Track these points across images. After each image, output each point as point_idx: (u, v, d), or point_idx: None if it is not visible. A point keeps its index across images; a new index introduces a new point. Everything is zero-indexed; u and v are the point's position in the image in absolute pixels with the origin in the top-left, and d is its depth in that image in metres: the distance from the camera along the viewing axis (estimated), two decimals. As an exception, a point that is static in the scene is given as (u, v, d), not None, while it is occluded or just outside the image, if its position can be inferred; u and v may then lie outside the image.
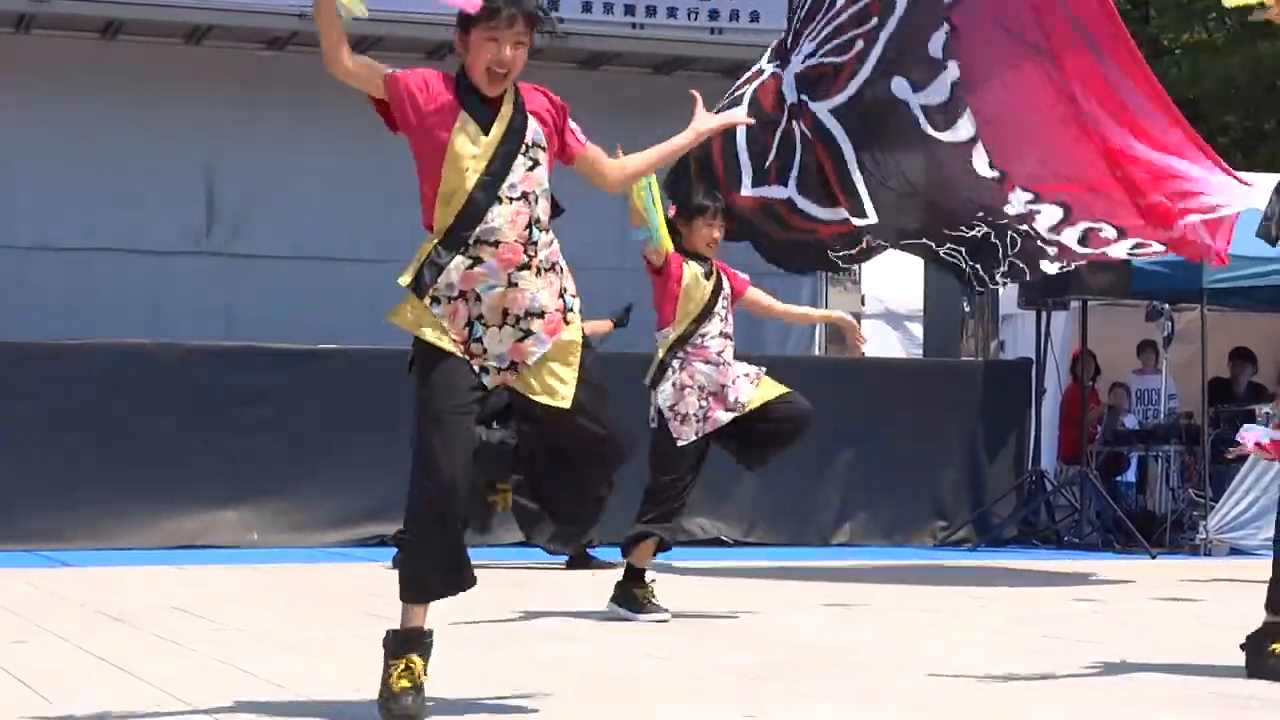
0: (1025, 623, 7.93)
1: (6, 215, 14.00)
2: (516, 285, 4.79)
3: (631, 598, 7.67)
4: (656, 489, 7.75)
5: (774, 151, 10.16)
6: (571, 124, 5.02)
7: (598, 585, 9.29)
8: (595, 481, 5.12)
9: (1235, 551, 13.07)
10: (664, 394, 7.66)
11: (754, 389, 7.75)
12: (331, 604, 8.33)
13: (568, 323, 4.88)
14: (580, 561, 10.66)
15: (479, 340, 4.78)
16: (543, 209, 4.86)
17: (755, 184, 10.12)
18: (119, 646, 6.36)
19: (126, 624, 7.20)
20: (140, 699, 5.13)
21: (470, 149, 4.79)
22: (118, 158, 14.24)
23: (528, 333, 4.80)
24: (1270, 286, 13.89)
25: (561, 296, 4.88)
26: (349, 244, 14.50)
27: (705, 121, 5.33)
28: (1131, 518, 13.73)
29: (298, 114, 14.41)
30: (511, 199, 4.79)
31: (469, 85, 4.85)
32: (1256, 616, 6.07)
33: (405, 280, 4.83)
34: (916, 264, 15.41)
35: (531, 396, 4.84)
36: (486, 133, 4.81)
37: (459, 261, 4.78)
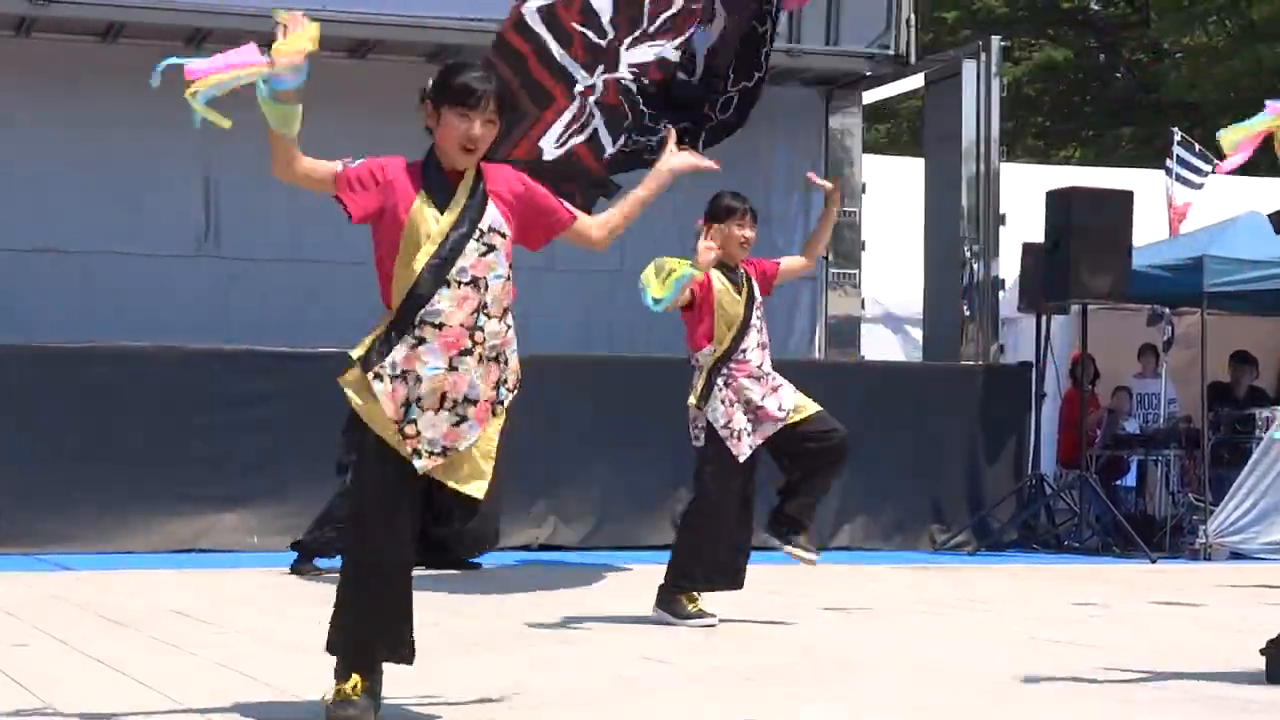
0: (1025, 626, 7.93)
1: (6, 218, 13.99)
2: (457, 370, 4.78)
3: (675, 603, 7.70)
4: (701, 509, 7.76)
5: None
6: (557, 201, 4.99)
7: (598, 587, 9.30)
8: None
9: (1235, 555, 13.06)
10: (716, 412, 7.61)
11: (796, 396, 7.78)
12: (330, 606, 8.30)
13: (495, 415, 4.87)
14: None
15: (413, 422, 4.76)
16: (494, 294, 4.81)
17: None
18: (119, 649, 6.36)
19: (126, 627, 7.19)
20: (140, 702, 5.12)
21: (424, 230, 4.77)
22: (117, 161, 14.23)
23: (463, 418, 4.80)
24: (1270, 290, 13.90)
25: (497, 387, 4.87)
26: (348, 247, 14.44)
27: (677, 160, 5.24)
28: (1131, 521, 13.73)
29: (297, 117, 14.39)
30: (460, 283, 4.76)
31: (436, 163, 4.86)
32: (1256, 620, 6.07)
33: (357, 354, 4.83)
34: (917, 268, 15.45)
35: (452, 484, 4.82)
36: (443, 213, 4.79)
37: (406, 340, 4.77)
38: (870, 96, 16.61)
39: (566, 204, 5.04)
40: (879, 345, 16.53)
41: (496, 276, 4.82)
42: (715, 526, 7.73)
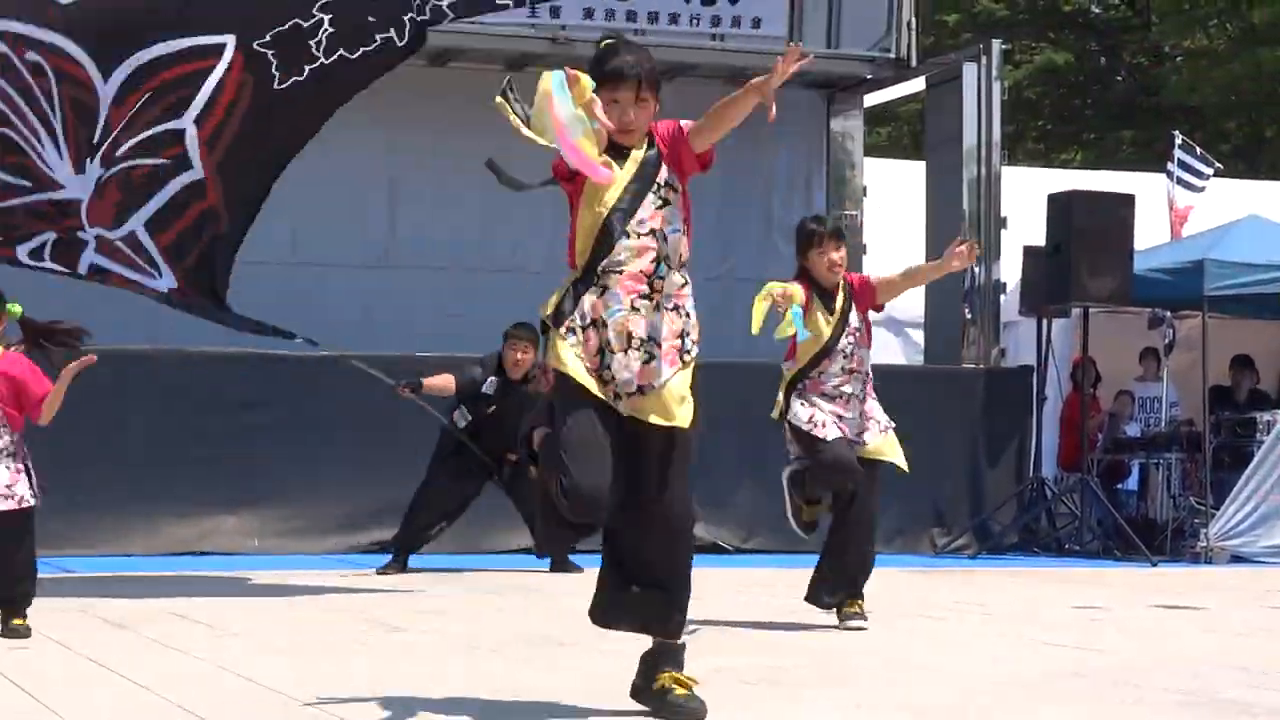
0: (1026, 630, 7.92)
1: (7, 221, 13.99)
2: (638, 311, 4.96)
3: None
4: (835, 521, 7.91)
5: None
6: (679, 123, 5.11)
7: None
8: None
9: (1236, 559, 13.06)
10: (798, 417, 7.66)
11: (880, 438, 7.81)
12: (331, 610, 8.32)
13: (685, 364, 5.00)
14: (562, 566, 10.69)
15: (608, 368, 4.94)
16: (673, 247, 5.01)
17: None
18: (119, 652, 6.36)
19: (127, 630, 7.19)
20: (140, 705, 5.12)
21: (604, 188, 4.96)
22: (118, 163, 14.22)
23: (652, 356, 4.96)
24: (1271, 294, 13.90)
25: (681, 338, 5.01)
26: (348, 250, 14.50)
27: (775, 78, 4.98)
28: (1132, 525, 13.72)
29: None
30: (639, 234, 4.98)
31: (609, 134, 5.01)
32: (1257, 624, 6.06)
33: (546, 311, 5.05)
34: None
35: (653, 418, 4.95)
36: (621, 168, 5.00)
37: (591, 291, 4.98)
38: (871, 99, 16.62)
39: (681, 122, 5.09)
40: (880, 348, 16.47)
41: (674, 230, 5.03)
42: (841, 536, 7.83)
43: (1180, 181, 16.76)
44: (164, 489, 11.80)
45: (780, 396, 7.77)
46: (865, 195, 15.86)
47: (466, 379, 10.80)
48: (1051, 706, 5.44)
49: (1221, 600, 9.77)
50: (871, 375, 7.89)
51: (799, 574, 9.00)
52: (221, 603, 8.59)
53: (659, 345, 4.96)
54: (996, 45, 15.10)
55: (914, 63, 15.31)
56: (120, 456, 11.76)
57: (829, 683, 5.89)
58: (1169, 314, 13.99)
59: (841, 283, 7.77)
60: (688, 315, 5.05)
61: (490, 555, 11.60)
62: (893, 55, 15.23)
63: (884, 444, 7.84)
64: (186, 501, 11.87)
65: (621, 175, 4.98)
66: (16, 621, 6.97)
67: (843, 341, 7.71)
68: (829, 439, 7.63)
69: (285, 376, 12.20)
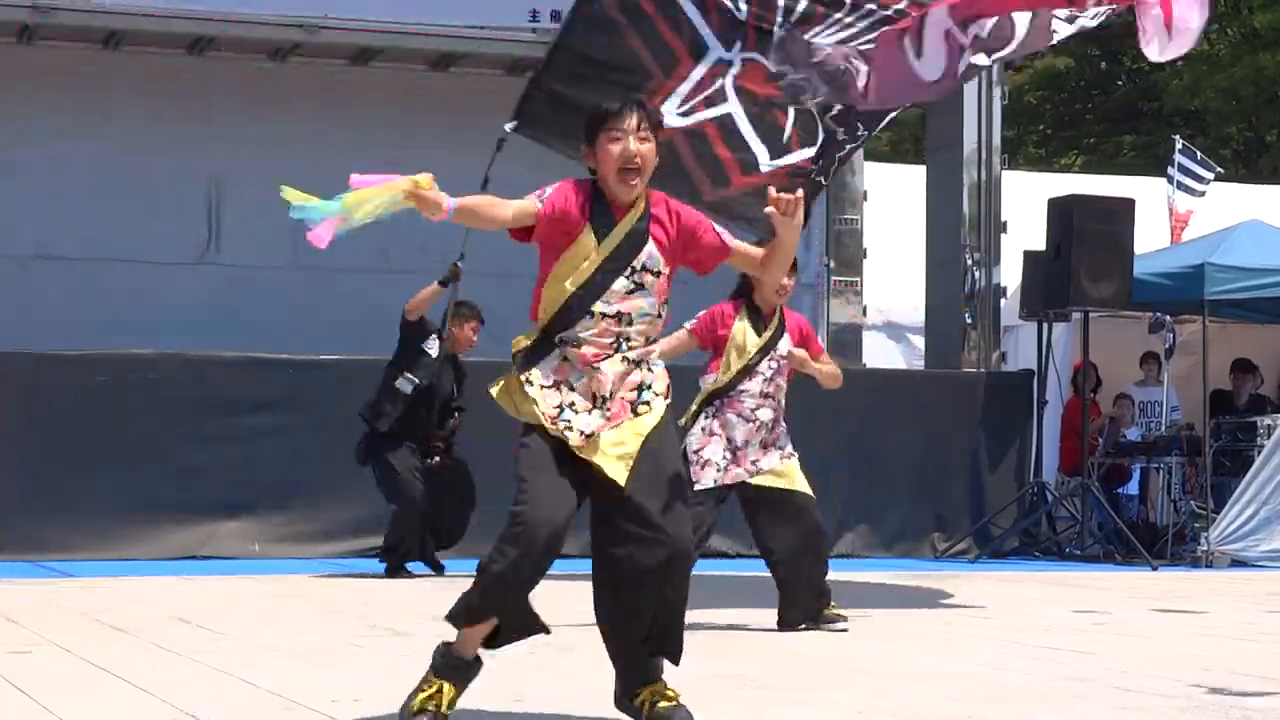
0: (1026, 634, 7.92)
1: (8, 224, 14.01)
2: (599, 370, 4.79)
3: None
4: None
5: (791, 120, 9.35)
6: (717, 230, 4.96)
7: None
8: (641, 593, 4.81)
9: (1237, 563, 13.06)
10: (692, 438, 7.73)
11: (780, 463, 7.82)
12: (332, 614, 8.33)
13: (636, 414, 4.82)
14: None
15: (568, 422, 4.77)
16: (638, 329, 4.82)
17: (776, 156, 9.41)
18: (120, 656, 6.36)
19: (128, 634, 7.20)
20: (141, 709, 5.13)
21: (578, 261, 4.78)
22: (120, 168, 14.25)
23: (606, 417, 4.79)
24: (1271, 298, 13.90)
25: (638, 390, 4.84)
26: (349, 255, 14.50)
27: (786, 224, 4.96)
28: (1133, 529, 13.73)
29: (299, 125, 14.42)
30: (604, 315, 4.78)
31: (600, 193, 4.84)
32: (1258, 628, 6.06)
33: (514, 350, 4.88)
34: (919, 275, 15.46)
35: (595, 459, 4.77)
36: (600, 243, 4.79)
37: (553, 357, 4.81)
38: (872, 104, 16.61)
39: (724, 234, 4.99)
40: (880, 353, 16.52)
41: (643, 315, 4.83)
42: (793, 568, 7.83)
43: (1181, 186, 16.78)
44: (165, 493, 11.81)
45: (694, 406, 7.78)
46: (865, 200, 15.87)
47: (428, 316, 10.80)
48: (1051, 711, 5.44)
49: (1222, 604, 9.77)
50: (784, 405, 7.89)
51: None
52: (223, 607, 8.59)
53: (611, 400, 4.79)
54: (997, 50, 15.10)
55: (914, 67, 15.30)
56: (121, 460, 11.77)
57: (828, 687, 5.89)
58: (1169, 318, 14.01)
59: (779, 311, 7.85)
60: (651, 369, 4.87)
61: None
62: (893, 60, 15.22)
63: (788, 472, 7.84)
64: (187, 506, 11.88)
65: (597, 252, 4.75)
66: None
67: (764, 364, 7.78)
68: (697, 485, 7.63)
69: (286, 380, 12.21)
